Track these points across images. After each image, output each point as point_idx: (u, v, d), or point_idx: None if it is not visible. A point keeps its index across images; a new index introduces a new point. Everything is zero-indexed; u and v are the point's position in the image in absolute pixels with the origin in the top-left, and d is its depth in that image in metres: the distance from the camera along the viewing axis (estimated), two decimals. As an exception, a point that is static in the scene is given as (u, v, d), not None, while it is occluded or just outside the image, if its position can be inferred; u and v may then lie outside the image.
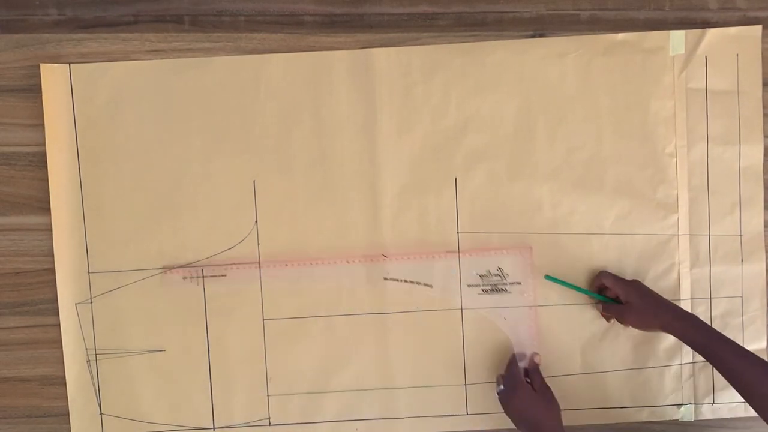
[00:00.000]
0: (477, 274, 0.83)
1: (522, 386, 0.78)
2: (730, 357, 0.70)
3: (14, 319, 0.84)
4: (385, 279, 0.84)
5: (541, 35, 0.83)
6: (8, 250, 0.84)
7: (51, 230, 0.82)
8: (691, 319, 0.75)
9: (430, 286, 0.83)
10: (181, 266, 0.83)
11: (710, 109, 0.83)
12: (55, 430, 0.85)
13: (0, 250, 0.84)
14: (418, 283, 0.83)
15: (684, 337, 0.74)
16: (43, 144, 0.82)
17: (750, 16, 0.84)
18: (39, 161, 0.82)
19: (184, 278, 0.83)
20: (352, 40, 0.83)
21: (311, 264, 0.83)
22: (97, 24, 0.82)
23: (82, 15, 0.82)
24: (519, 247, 0.83)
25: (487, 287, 0.84)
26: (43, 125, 0.82)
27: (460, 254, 0.83)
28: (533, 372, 0.81)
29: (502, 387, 0.79)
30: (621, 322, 0.81)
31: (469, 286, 0.84)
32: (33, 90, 0.82)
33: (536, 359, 0.82)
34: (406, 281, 0.84)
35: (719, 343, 0.72)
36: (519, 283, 0.84)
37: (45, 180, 0.82)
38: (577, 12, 0.83)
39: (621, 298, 0.79)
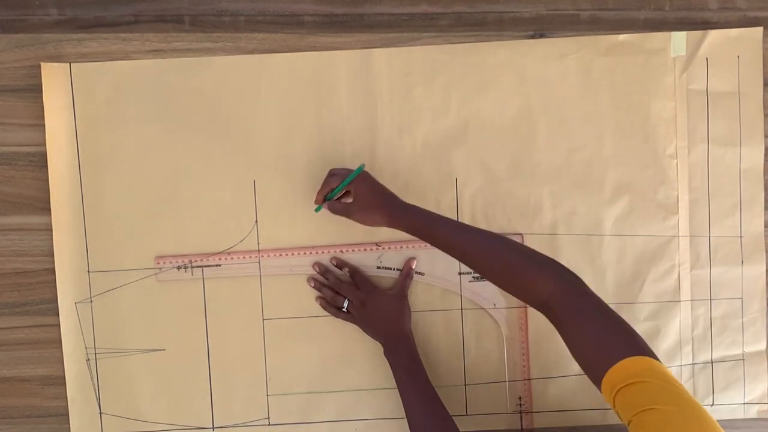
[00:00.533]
0: None
1: (379, 291, 0.81)
2: (452, 234, 0.70)
3: (14, 319, 0.84)
4: (378, 267, 0.84)
5: (541, 35, 0.83)
6: (8, 250, 0.84)
7: (51, 230, 0.82)
8: (413, 209, 0.74)
9: (422, 273, 0.84)
10: (173, 256, 0.83)
11: (711, 110, 0.83)
12: (55, 430, 0.85)
13: (0, 250, 0.84)
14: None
15: (408, 228, 0.73)
16: (43, 144, 0.82)
17: (750, 17, 0.83)
18: (39, 161, 0.82)
19: (178, 268, 0.83)
20: (352, 40, 0.83)
21: (308, 254, 0.83)
22: (97, 24, 0.82)
23: (82, 15, 0.82)
24: (510, 234, 0.83)
25: (477, 274, 0.84)
26: (43, 125, 0.81)
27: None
28: (404, 277, 0.82)
29: (347, 301, 0.81)
30: (349, 218, 0.77)
31: (460, 273, 0.84)
32: (33, 90, 0.81)
33: (412, 263, 0.83)
34: (398, 270, 0.84)
35: (439, 223, 0.72)
36: None
37: (45, 180, 0.82)
38: (577, 12, 0.83)
39: (351, 193, 0.76)
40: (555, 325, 0.63)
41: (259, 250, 0.83)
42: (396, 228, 0.74)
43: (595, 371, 0.57)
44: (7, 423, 0.85)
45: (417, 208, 0.74)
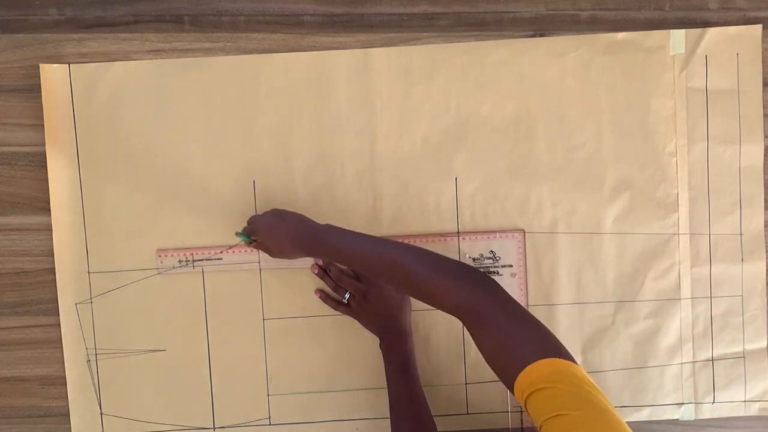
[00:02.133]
0: (470, 257, 0.83)
1: (380, 285, 0.81)
2: (360, 247, 0.69)
3: (14, 319, 0.84)
4: None
5: (541, 35, 0.83)
6: (8, 250, 0.84)
7: (51, 230, 0.83)
8: (319, 234, 0.72)
9: None
10: (175, 249, 0.83)
11: (710, 108, 0.83)
12: (55, 430, 0.85)
13: (0, 250, 0.84)
14: None
15: (319, 255, 0.74)
16: (43, 144, 0.82)
17: (750, 16, 0.84)
18: (39, 161, 0.82)
19: (180, 261, 0.83)
20: (352, 40, 0.83)
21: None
22: (97, 24, 0.82)
23: (82, 15, 0.82)
24: (510, 230, 0.83)
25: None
26: (43, 125, 0.81)
27: (457, 238, 0.84)
28: None
29: (347, 295, 0.81)
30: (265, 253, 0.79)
31: None
32: (33, 90, 0.81)
33: None
34: None
35: (347, 239, 0.70)
36: (510, 266, 0.84)
37: (45, 180, 0.82)
38: (577, 12, 0.83)
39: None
40: (469, 331, 0.62)
41: (259, 261, 0.83)
42: (312, 257, 0.77)
43: (506, 377, 0.56)
44: (7, 423, 0.85)
45: (326, 229, 0.73)
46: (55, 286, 0.83)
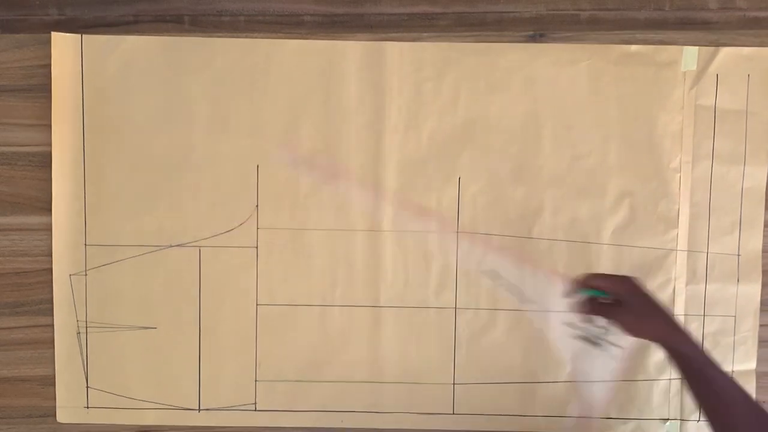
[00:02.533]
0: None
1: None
2: (717, 381, 0.67)
3: (14, 319, 0.84)
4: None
5: (542, 35, 0.83)
6: (8, 250, 0.84)
7: (51, 231, 0.83)
8: (685, 334, 0.70)
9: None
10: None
11: (718, 127, 0.83)
12: (55, 430, 0.85)
13: (0, 250, 0.84)
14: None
15: (674, 353, 0.70)
16: (44, 144, 0.82)
17: (750, 16, 0.83)
18: (39, 161, 0.82)
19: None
20: (352, 40, 0.82)
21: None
22: (97, 24, 0.82)
23: (82, 15, 0.82)
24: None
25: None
26: (43, 125, 0.82)
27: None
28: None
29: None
30: (612, 322, 0.74)
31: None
32: (33, 90, 0.82)
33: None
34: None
35: (709, 365, 0.68)
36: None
37: (45, 180, 0.82)
38: (577, 12, 0.83)
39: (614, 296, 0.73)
40: None
41: (257, 246, 0.83)
42: (661, 344, 0.71)
43: None
44: (7, 423, 0.85)
45: (687, 334, 0.70)
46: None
